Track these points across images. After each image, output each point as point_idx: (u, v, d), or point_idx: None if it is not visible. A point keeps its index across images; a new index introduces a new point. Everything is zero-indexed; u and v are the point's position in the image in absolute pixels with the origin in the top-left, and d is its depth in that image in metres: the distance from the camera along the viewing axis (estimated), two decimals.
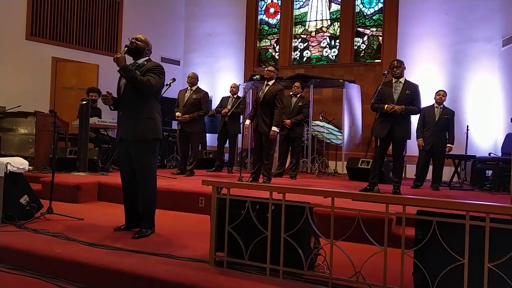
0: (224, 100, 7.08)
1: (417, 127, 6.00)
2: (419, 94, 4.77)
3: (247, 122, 5.50)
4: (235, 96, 7.01)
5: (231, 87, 7.10)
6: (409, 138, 4.89)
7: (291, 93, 6.74)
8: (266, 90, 5.22)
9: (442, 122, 5.81)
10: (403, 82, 4.75)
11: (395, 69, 4.72)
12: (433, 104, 5.94)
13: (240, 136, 7.37)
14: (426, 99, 6.15)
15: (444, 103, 5.95)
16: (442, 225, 1.95)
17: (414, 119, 5.69)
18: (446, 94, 5.97)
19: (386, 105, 4.62)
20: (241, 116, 7.03)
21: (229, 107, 6.76)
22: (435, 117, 5.84)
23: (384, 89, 4.72)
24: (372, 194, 3.99)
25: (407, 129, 4.76)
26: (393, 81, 4.78)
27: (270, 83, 5.27)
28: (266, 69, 5.39)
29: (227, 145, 7.06)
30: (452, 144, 5.83)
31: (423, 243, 1.99)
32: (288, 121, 6.38)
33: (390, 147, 4.92)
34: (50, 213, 3.68)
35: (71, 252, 2.65)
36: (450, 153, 6.57)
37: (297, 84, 6.76)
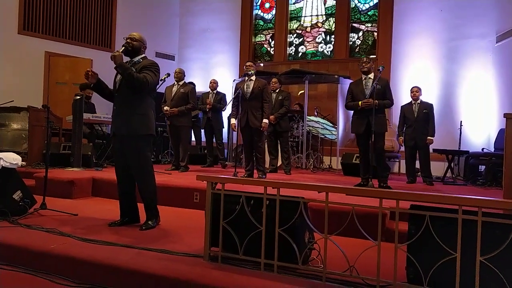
0: (205, 96, 7.13)
1: (398, 125, 6.14)
2: (389, 87, 4.92)
3: (234, 120, 5.48)
4: (214, 91, 7.10)
5: (210, 82, 7.17)
6: (386, 131, 4.98)
7: (270, 90, 6.77)
8: (252, 86, 5.26)
9: (421, 117, 5.89)
10: (372, 77, 4.89)
11: (364, 64, 4.88)
12: (411, 101, 6.03)
13: (224, 130, 7.44)
14: (422, 96, 6.18)
15: (421, 97, 6.03)
16: (435, 219, 1.97)
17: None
18: (420, 89, 6.05)
19: (360, 102, 4.75)
20: (221, 111, 7.14)
21: (209, 101, 6.91)
22: (414, 113, 5.93)
23: (355, 88, 4.93)
24: (366, 189, 4.00)
25: (384, 122, 4.88)
26: (363, 78, 4.92)
27: (253, 78, 5.32)
28: (246, 65, 5.43)
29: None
30: (433, 136, 5.88)
31: (416, 237, 2.00)
32: (272, 116, 6.38)
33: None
34: (44, 209, 3.66)
35: (65, 247, 2.65)
36: (444, 148, 6.63)
37: (273, 80, 6.82)
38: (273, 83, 6.75)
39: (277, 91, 6.69)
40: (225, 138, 8.17)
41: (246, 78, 5.33)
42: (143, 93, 3.21)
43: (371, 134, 4.73)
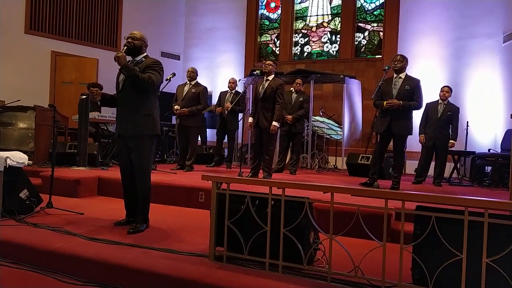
0: (222, 95, 7.04)
1: (420, 123, 5.99)
2: (420, 88, 4.73)
3: (250, 119, 5.39)
4: (233, 91, 6.97)
5: (229, 82, 7.06)
6: (410, 134, 4.84)
7: (291, 89, 6.78)
8: (266, 85, 5.19)
9: (444, 119, 5.77)
10: (403, 77, 4.74)
11: (396, 63, 4.73)
12: (438, 100, 5.90)
13: (238, 131, 7.37)
14: (427, 95, 6.13)
15: (449, 98, 5.90)
16: (441, 221, 1.95)
17: (418, 114, 5.70)
18: (451, 90, 5.92)
19: (385, 101, 4.64)
20: (239, 113, 7.02)
21: (228, 102, 6.76)
22: (437, 113, 5.81)
23: (384, 85, 4.76)
24: (372, 189, 3.98)
25: (407, 125, 4.71)
26: (394, 76, 4.78)
27: (270, 78, 5.24)
28: (265, 63, 5.37)
29: (225, 140, 7.06)
30: (455, 140, 5.80)
31: (421, 238, 1.99)
32: (289, 116, 6.40)
33: (391, 143, 4.93)
34: (50, 208, 3.69)
35: (71, 246, 2.66)
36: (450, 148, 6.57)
37: (298, 81, 6.80)
38: (297, 84, 6.74)
39: (298, 92, 6.68)
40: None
41: (264, 77, 5.29)
42: (147, 92, 3.19)
43: (392, 135, 4.68)
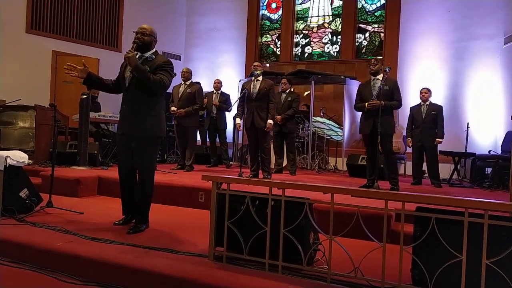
0: (208, 95, 7.09)
1: (407, 127, 6.16)
2: (398, 88, 4.87)
3: (239, 120, 5.49)
4: (219, 91, 7.07)
5: (214, 82, 7.17)
6: (394, 132, 4.94)
7: (280, 90, 6.80)
8: (258, 86, 5.27)
9: (429, 119, 5.88)
10: (380, 79, 4.84)
11: (371, 66, 4.87)
12: (420, 103, 6.03)
13: (228, 130, 7.51)
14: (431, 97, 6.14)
15: (431, 99, 6.03)
16: (441, 222, 1.95)
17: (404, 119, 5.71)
18: (430, 91, 6.03)
19: (366, 103, 4.73)
20: (226, 112, 7.21)
21: (215, 101, 6.92)
22: (422, 114, 5.93)
23: (363, 89, 4.91)
24: (372, 190, 3.98)
25: (390, 123, 4.82)
26: (371, 79, 4.90)
27: (260, 78, 5.33)
28: (254, 65, 5.46)
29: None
30: (441, 138, 5.85)
31: (421, 239, 1.99)
32: (278, 117, 6.38)
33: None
34: (50, 207, 3.69)
35: (71, 245, 2.66)
36: (451, 150, 6.59)
37: (283, 81, 6.80)
38: (282, 84, 6.75)
39: (287, 91, 6.68)
40: (230, 138, 8.18)
41: (253, 78, 5.33)
42: (157, 94, 3.11)
43: (378, 135, 4.71)
